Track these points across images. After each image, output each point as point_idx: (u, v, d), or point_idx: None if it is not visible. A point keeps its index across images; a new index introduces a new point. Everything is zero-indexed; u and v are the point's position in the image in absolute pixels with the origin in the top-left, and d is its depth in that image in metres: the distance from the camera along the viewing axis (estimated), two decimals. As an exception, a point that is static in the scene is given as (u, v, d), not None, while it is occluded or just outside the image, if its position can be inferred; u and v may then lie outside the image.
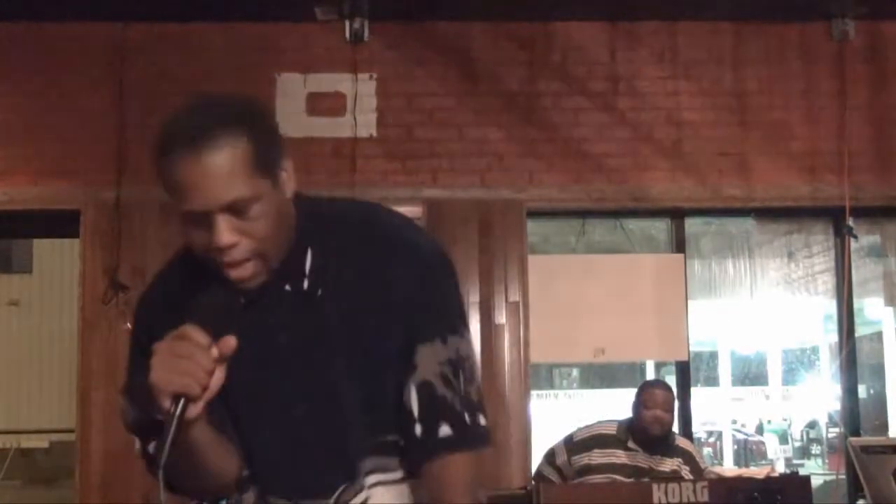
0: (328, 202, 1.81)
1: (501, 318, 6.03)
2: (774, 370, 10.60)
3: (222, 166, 1.57)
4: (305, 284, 1.69)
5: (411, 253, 1.73)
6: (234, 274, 1.62)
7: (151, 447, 1.70)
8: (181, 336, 1.52)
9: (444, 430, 1.68)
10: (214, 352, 1.53)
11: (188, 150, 1.57)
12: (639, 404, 4.99)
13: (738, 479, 4.84)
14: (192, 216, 1.60)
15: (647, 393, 5.01)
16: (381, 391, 1.70)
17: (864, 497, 4.46)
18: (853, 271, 6.37)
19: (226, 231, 1.58)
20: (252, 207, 1.59)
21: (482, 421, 1.72)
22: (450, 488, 1.67)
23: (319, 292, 1.69)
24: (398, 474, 1.73)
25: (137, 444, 1.75)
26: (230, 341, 1.54)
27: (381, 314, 1.69)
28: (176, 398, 1.50)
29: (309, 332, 1.69)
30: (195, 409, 1.52)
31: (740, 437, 10.67)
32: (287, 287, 1.68)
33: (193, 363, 1.50)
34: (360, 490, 1.71)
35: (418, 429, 1.69)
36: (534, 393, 6.35)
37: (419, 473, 1.70)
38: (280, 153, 1.69)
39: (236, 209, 1.58)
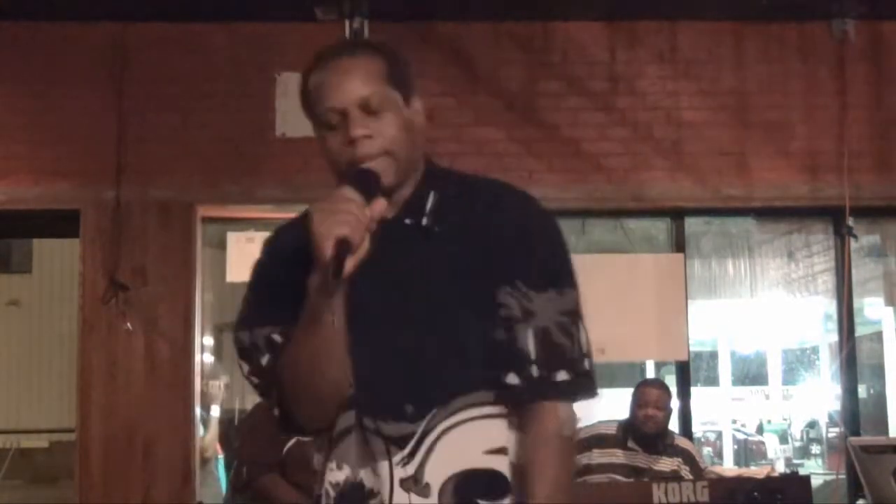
0: (456, 170, 1.96)
1: (501, 317, 6.02)
2: (774, 370, 10.59)
3: (361, 68, 1.78)
4: (425, 221, 1.81)
5: (531, 210, 1.86)
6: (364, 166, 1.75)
7: (266, 360, 1.81)
8: (341, 195, 1.67)
9: (562, 375, 1.77)
10: (368, 211, 1.66)
11: (332, 59, 1.80)
12: (634, 403, 5.02)
13: (738, 479, 4.84)
14: (329, 119, 1.77)
15: (641, 391, 5.04)
16: (484, 330, 1.77)
17: (864, 497, 4.46)
18: (853, 271, 6.37)
19: (359, 124, 1.75)
20: (383, 109, 1.77)
21: (593, 372, 1.82)
22: (551, 429, 1.76)
23: (437, 229, 1.81)
24: (494, 409, 1.78)
25: (246, 367, 1.86)
26: (382, 203, 1.70)
27: (497, 259, 1.78)
28: (338, 242, 1.61)
29: (423, 264, 1.79)
30: (350, 265, 1.62)
31: (740, 437, 10.66)
32: (407, 220, 1.81)
33: (352, 214, 1.64)
34: (449, 420, 1.76)
35: (535, 370, 1.76)
36: (534, 393, 6.34)
37: (523, 411, 1.77)
38: (412, 87, 1.84)
39: (369, 107, 1.76)
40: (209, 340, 7.37)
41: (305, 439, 4.81)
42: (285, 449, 4.65)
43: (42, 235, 10.05)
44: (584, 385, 1.81)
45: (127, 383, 5.94)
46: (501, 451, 1.78)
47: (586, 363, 1.81)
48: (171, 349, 5.98)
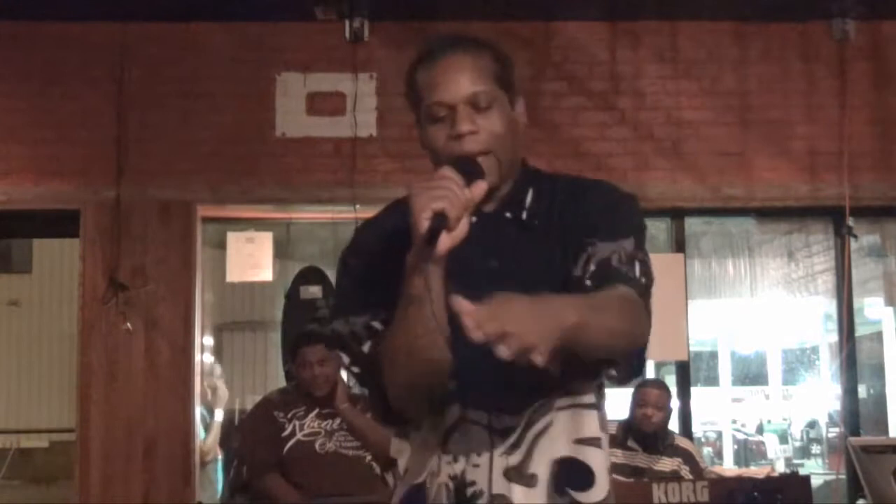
0: (543, 170, 1.97)
1: (501, 317, 6.02)
2: (774, 370, 10.58)
3: (471, 65, 1.81)
4: (525, 215, 1.85)
5: (611, 190, 1.91)
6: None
7: (367, 347, 1.81)
8: (439, 174, 1.68)
9: (621, 289, 1.75)
10: (467, 192, 1.67)
11: (444, 53, 1.82)
12: (634, 403, 5.03)
13: (738, 479, 4.84)
14: (436, 113, 1.79)
15: (641, 391, 5.05)
16: None
17: (864, 497, 4.46)
18: (853, 271, 6.37)
19: (466, 119, 1.77)
20: (491, 107, 1.80)
21: (651, 300, 1.82)
22: (621, 292, 1.74)
23: (536, 223, 1.84)
24: (590, 398, 1.82)
25: (345, 357, 1.86)
26: (482, 185, 1.70)
27: (580, 238, 1.81)
28: (436, 215, 1.61)
29: (522, 256, 1.81)
30: (446, 242, 1.62)
31: (740, 437, 10.65)
32: (507, 214, 1.84)
33: (450, 190, 1.64)
34: (549, 411, 1.78)
35: (588, 282, 1.76)
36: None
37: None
38: (517, 89, 1.89)
39: (476, 103, 1.79)
40: (209, 340, 7.38)
41: (306, 439, 4.80)
42: (285, 449, 4.65)
43: (42, 235, 10.03)
44: (643, 291, 1.81)
45: (127, 383, 5.94)
46: (590, 441, 1.81)
47: (644, 288, 1.81)
48: (171, 349, 5.98)
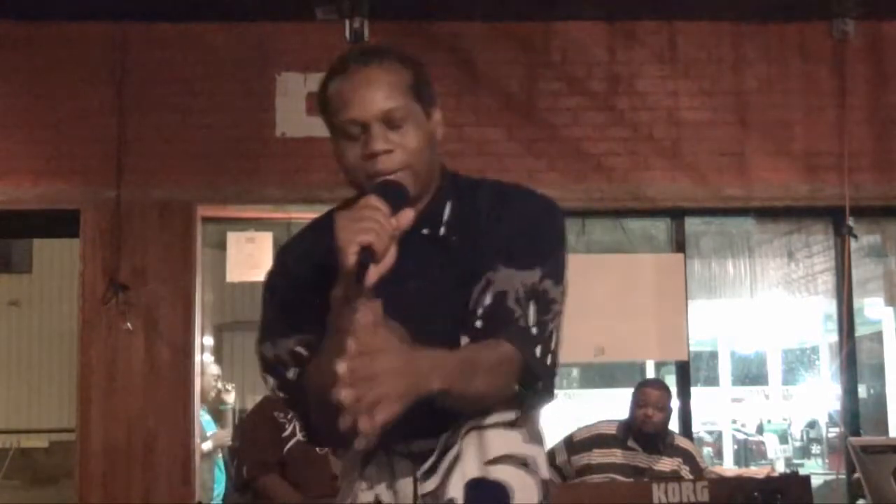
0: (465, 175, 1.92)
1: (501, 317, 6.02)
2: (774, 370, 10.58)
3: (385, 80, 1.75)
4: (442, 231, 1.80)
5: (530, 206, 1.84)
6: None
7: (292, 373, 1.80)
8: (364, 204, 1.62)
9: (504, 333, 1.71)
10: (394, 221, 1.62)
11: (357, 67, 1.76)
12: (634, 403, 5.02)
13: (738, 479, 4.84)
14: (349, 130, 1.74)
15: (641, 391, 5.04)
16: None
17: (863, 497, 4.46)
18: (853, 271, 6.37)
19: (381, 138, 1.72)
20: (405, 123, 1.74)
21: (547, 358, 1.75)
22: (501, 351, 1.69)
23: (454, 238, 1.79)
24: (500, 417, 1.77)
25: (271, 381, 1.84)
26: (409, 213, 1.66)
27: (490, 252, 1.77)
28: (363, 250, 1.56)
29: (441, 275, 1.77)
30: (372, 275, 1.57)
31: (740, 437, 10.64)
32: (424, 231, 1.79)
33: (377, 222, 1.59)
34: (461, 435, 1.76)
35: (478, 323, 1.73)
36: (534, 393, 6.33)
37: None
38: (433, 99, 1.82)
39: (391, 121, 1.73)
40: (209, 340, 7.38)
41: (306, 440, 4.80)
42: (285, 449, 4.65)
43: (42, 235, 10.04)
44: (527, 344, 1.73)
45: (127, 383, 5.94)
46: (504, 459, 1.77)
47: (536, 345, 1.74)
48: (172, 349, 5.98)
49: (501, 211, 1.81)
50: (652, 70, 6.35)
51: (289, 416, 4.71)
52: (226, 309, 8.90)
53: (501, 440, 1.78)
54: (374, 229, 1.58)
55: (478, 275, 1.75)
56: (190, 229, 6.08)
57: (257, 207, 6.27)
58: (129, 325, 5.92)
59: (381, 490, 1.77)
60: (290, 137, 6.16)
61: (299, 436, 4.68)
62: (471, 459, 1.76)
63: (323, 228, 1.77)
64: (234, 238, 6.29)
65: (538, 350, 1.74)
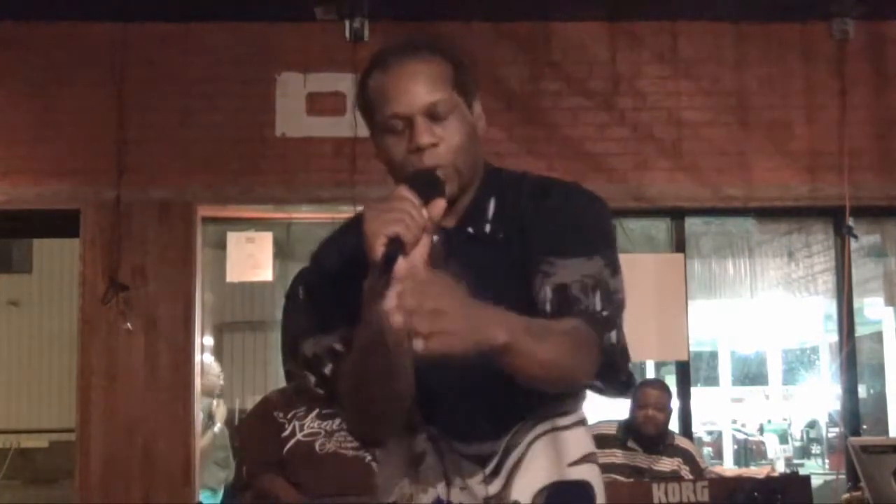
0: (509, 170, 1.89)
1: (501, 317, 6.02)
2: (774, 370, 10.59)
3: (427, 73, 1.72)
4: (488, 228, 1.76)
5: (578, 198, 1.80)
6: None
7: (328, 369, 1.78)
8: (394, 195, 1.60)
9: (574, 321, 1.66)
10: (425, 212, 1.59)
11: (399, 61, 1.73)
12: (634, 403, 5.02)
13: (738, 479, 4.84)
14: (393, 125, 1.71)
15: (641, 392, 5.04)
16: None
17: (857, 490, 4.46)
18: (853, 271, 6.37)
19: (426, 132, 1.69)
20: (449, 116, 1.71)
21: (620, 345, 1.71)
22: (571, 326, 1.65)
23: (501, 235, 1.76)
24: (572, 418, 1.76)
25: (312, 378, 1.82)
26: (441, 203, 1.62)
27: (541, 246, 1.73)
28: (390, 241, 1.53)
29: (489, 272, 1.70)
30: (403, 267, 1.52)
31: (740, 437, 10.65)
32: (470, 230, 1.76)
33: (406, 213, 1.56)
34: (527, 436, 1.73)
35: (547, 309, 1.69)
36: (534, 393, 6.34)
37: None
38: (475, 90, 1.80)
39: (435, 114, 1.70)
40: (209, 340, 7.38)
41: (306, 439, 4.80)
42: (285, 449, 4.65)
43: (42, 235, 10.04)
44: (601, 326, 1.69)
45: (127, 383, 5.94)
46: (585, 458, 1.78)
47: (603, 327, 1.70)
48: (171, 349, 5.98)
49: (549, 205, 1.78)
50: (652, 70, 6.35)
51: (289, 416, 4.70)
52: (226, 309, 8.89)
53: (580, 440, 1.78)
54: (402, 220, 1.55)
55: (530, 271, 1.72)
56: (190, 229, 6.08)
57: (257, 207, 6.27)
58: (129, 325, 5.92)
59: (442, 489, 1.74)
60: (290, 137, 6.16)
61: (299, 436, 4.67)
62: (547, 463, 1.74)
63: (358, 226, 1.71)
64: (234, 238, 6.29)
65: (613, 336, 1.70)
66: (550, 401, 1.73)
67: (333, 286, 1.77)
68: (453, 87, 1.74)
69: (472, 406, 1.70)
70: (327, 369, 1.78)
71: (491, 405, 1.70)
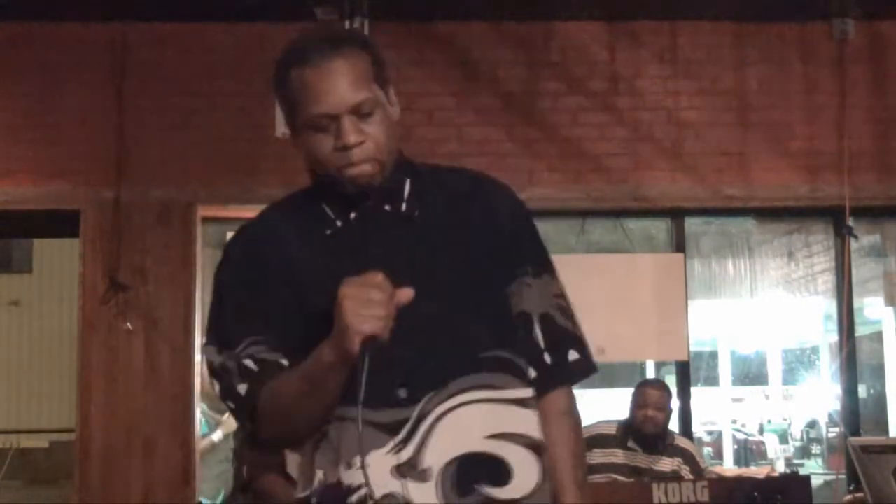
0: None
1: (501, 317, 6.02)
2: (774, 370, 10.58)
3: (352, 71, 1.76)
4: (404, 207, 1.83)
5: (505, 192, 1.91)
6: (355, 171, 1.77)
7: (242, 389, 1.76)
8: (373, 283, 1.61)
9: (573, 355, 1.88)
10: (394, 301, 1.63)
11: (322, 59, 1.75)
12: (634, 403, 5.02)
13: (738, 479, 4.84)
14: (318, 123, 1.77)
15: (642, 392, 5.04)
16: (479, 311, 1.80)
17: (859, 491, 4.46)
18: (853, 271, 6.37)
19: (353, 131, 1.75)
20: (374, 112, 1.77)
21: (584, 351, 1.91)
22: (564, 408, 1.87)
23: (416, 213, 1.82)
24: (497, 393, 1.77)
25: (217, 386, 1.81)
26: (408, 292, 1.65)
27: (482, 240, 1.83)
28: (369, 339, 1.59)
29: (407, 249, 1.79)
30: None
31: (740, 437, 10.64)
32: (387, 207, 1.82)
33: (385, 309, 1.60)
34: (448, 398, 1.73)
35: (548, 357, 1.85)
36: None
37: (543, 399, 1.84)
38: (390, 80, 1.84)
39: (361, 111, 1.75)
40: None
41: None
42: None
43: (42, 235, 10.05)
44: (592, 364, 1.91)
45: (127, 383, 5.95)
46: (511, 437, 1.75)
47: (585, 345, 1.91)
48: (171, 349, 5.99)
49: (486, 196, 1.88)
50: (652, 70, 6.35)
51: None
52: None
53: (514, 417, 1.77)
54: (381, 318, 1.59)
55: (458, 257, 1.80)
56: (190, 229, 6.08)
57: (257, 207, 6.16)
58: (129, 325, 5.92)
59: (341, 469, 1.72)
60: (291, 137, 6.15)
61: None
62: (470, 431, 1.73)
63: (270, 216, 1.93)
64: (234, 238, 6.29)
65: (585, 339, 1.91)
66: (471, 371, 1.75)
67: (244, 286, 1.82)
68: (375, 81, 1.78)
69: (387, 373, 1.69)
70: (241, 388, 1.75)
71: (407, 372, 1.72)
